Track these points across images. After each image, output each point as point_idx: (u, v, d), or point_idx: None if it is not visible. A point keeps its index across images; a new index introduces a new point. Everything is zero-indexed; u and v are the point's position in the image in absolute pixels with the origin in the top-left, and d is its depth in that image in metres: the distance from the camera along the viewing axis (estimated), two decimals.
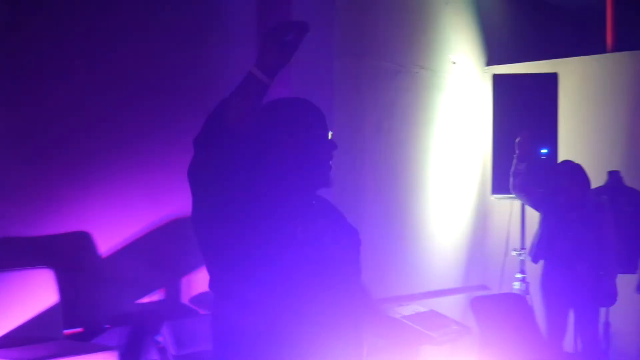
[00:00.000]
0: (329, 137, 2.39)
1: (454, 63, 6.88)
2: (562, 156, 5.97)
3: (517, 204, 6.26)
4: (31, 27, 4.21)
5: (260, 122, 2.29)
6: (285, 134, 2.33)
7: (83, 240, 4.46)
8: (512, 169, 5.60)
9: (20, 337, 3.91)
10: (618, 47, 6.90)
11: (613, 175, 6.00)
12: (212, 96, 4.92)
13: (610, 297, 5.29)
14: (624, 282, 5.43)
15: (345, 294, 2.37)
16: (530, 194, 5.57)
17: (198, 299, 4.77)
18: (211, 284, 2.32)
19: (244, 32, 5.24)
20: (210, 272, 2.31)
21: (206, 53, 5.00)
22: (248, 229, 2.19)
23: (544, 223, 5.48)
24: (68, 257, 4.37)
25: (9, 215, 4.19)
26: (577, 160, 5.48)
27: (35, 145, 4.31)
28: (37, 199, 4.28)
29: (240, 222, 2.18)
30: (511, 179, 5.60)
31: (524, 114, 6.17)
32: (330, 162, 2.39)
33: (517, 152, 5.60)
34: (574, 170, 5.38)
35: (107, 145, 4.47)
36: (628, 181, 5.98)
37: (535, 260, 5.52)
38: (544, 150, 6.06)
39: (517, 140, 5.57)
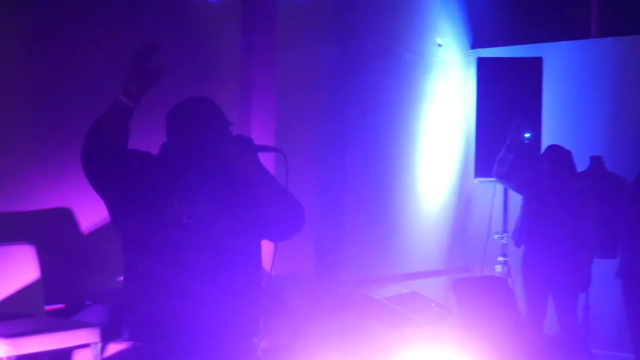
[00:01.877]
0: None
1: (440, 45, 6.87)
2: (545, 140, 5.98)
3: (500, 187, 6.28)
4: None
5: (168, 123, 2.65)
6: (175, 124, 2.64)
7: (65, 217, 4.42)
8: (499, 156, 5.60)
9: (1, 312, 3.88)
10: (603, 33, 6.91)
11: (595, 160, 6.02)
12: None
13: (585, 282, 5.33)
14: (605, 266, 5.46)
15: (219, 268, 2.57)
16: (513, 181, 5.58)
17: None
18: None
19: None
20: None
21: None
22: (130, 209, 2.53)
23: (525, 207, 5.50)
24: (49, 233, 4.33)
25: None
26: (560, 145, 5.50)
27: (17, 121, 4.27)
28: (19, 175, 4.23)
29: (124, 202, 2.54)
30: (496, 166, 5.60)
31: (508, 97, 6.17)
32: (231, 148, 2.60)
33: (507, 141, 5.59)
34: (558, 154, 5.39)
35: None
36: (610, 166, 6.01)
37: (517, 244, 5.54)
38: (527, 134, 6.08)
39: (512, 129, 5.56)
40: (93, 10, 4.45)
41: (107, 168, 2.47)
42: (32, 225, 4.28)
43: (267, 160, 2.72)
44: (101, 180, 2.51)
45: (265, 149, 2.66)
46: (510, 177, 5.55)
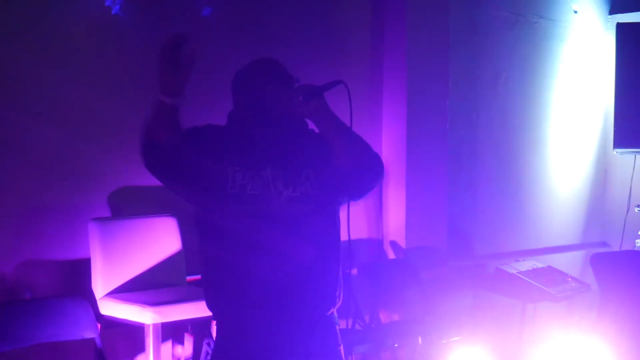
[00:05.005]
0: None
1: (576, 12, 6.62)
2: None
3: None
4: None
5: (232, 90, 2.55)
6: (238, 88, 2.53)
7: None
8: None
9: (146, 281, 4.05)
10: None
11: None
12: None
13: None
14: None
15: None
16: None
17: None
18: None
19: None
20: None
21: None
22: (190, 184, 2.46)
23: None
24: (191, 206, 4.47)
25: (130, 165, 4.30)
26: None
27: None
28: None
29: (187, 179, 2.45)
30: None
31: None
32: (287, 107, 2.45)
33: None
34: None
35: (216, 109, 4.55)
36: None
37: None
38: None
39: None
40: None
41: (170, 167, 2.40)
42: (175, 199, 4.43)
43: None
44: (169, 179, 2.46)
45: (328, 86, 2.47)
46: None
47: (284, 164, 2.47)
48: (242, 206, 2.42)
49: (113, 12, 4.09)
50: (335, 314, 2.58)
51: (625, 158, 6.31)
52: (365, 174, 2.48)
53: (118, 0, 4.05)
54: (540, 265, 5.47)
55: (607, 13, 6.92)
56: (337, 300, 2.55)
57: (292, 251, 2.44)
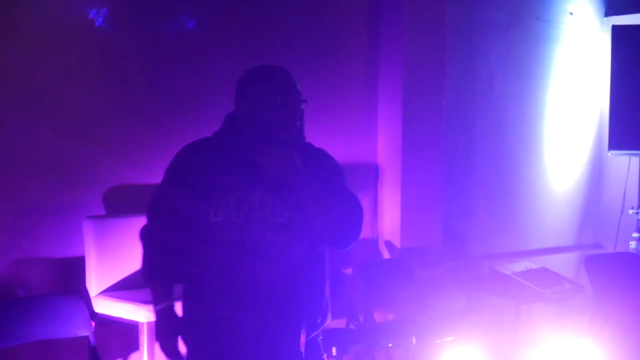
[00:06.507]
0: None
1: (571, 14, 6.63)
2: None
3: (635, 160, 6.04)
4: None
5: (236, 91, 2.45)
6: (240, 94, 2.42)
7: None
8: None
9: (134, 281, 4.04)
10: None
11: None
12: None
13: None
14: None
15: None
16: None
17: None
18: None
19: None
20: None
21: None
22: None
23: None
24: None
25: (124, 164, 4.31)
26: None
27: (148, 103, 4.43)
28: (149, 150, 4.38)
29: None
30: None
31: None
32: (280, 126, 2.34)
33: None
34: None
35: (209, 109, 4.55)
36: None
37: None
38: None
39: None
40: None
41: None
42: None
43: None
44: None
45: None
46: None
47: (275, 187, 2.36)
48: (225, 234, 2.37)
49: (97, 24, 4.08)
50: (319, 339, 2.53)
51: (619, 160, 6.33)
52: (339, 241, 2.38)
53: (102, 13, 4.04)
54: (534, 266, 5.48)
55: (603, 15, 6.93)
56: (318, 328, 2.49)
57: (274, 279, 2.37)
